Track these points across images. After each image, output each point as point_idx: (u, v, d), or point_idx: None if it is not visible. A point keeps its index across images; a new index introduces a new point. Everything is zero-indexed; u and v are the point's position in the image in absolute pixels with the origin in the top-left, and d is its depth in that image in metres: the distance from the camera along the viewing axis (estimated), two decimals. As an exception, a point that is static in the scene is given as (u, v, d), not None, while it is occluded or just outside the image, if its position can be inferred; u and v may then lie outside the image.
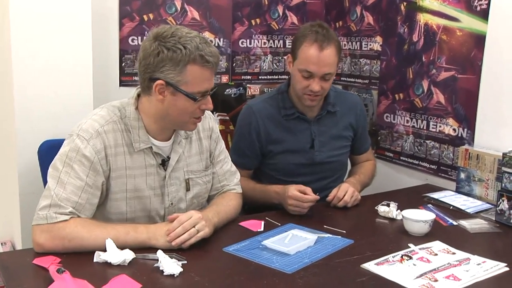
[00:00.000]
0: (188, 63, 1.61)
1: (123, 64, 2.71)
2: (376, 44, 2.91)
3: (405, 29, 2.71)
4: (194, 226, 1.63)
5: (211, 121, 1.93)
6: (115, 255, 1.51)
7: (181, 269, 1.48)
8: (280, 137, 2.23)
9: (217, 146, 1.95)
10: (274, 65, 3.11)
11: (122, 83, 2.72)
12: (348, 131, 2.34)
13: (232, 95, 3.05)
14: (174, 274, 1.45)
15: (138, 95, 1.74)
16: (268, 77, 3.11)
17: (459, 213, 2.06)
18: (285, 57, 3.10)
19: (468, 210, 2.09)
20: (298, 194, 1.93)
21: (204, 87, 1.66)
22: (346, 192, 2.05)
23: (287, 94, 2.25)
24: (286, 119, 2.23)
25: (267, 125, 2.22)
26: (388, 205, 2.01)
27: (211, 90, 1.69)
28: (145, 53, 1.64)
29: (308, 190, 1.94)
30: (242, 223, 1.86)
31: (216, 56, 1.65)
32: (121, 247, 1.56)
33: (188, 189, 1.84)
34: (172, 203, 1.80)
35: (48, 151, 2.00)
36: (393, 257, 1.61)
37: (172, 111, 1.67)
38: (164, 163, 1.77)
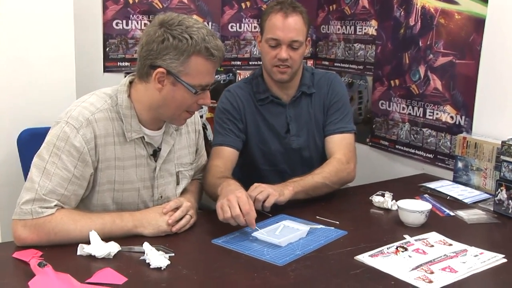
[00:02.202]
0: (193, 54, 1.61)
1: (107, 49, 2.69)
2: (371, 28, 2.91)
3: (402, 13, 2.71)
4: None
5: (196, 113, 1.94)
6: (99, 248, 1.51)
7: (168, 262, 1.48)
8: (255, 123, 2.23)
9: (200, 138, 1.99)
10: (265, 50, 3.10)
11: (106, 69, 2.71)
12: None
13: (222, 82, 3.04)
14: (161, 267, 1.45)
15: (130, 82, 1.73)
16: (259, 62, 3.10)
17: (457, 203, 2.07)
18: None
19: (465, 200, 2.10)
20: (245, 206, 1.68)
21: (205, 80, 1.66)
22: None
23: (262, 78, 2.25)
24: (260, 104, 2.23)
25: (244, 107, 2.22)
26: (383, 195, 2.02)
27: (211, 85, 1.70)
28: (148, 38, 1.63)
29: (256, 201, 1.78)
30: None
31: (221, 50, 1.66)
32: (108, 237, 1.57)
33: (178, 183, 1.86)
34: (161, 196, 1.80)
35: (28, 140, 1.99)
36: (388, 248, 1.62)
37: (169, 101, 1.67)
38: (155, 154, 1.77)
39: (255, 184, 1.86)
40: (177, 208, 1.70)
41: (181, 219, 1.69)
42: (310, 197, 1.98)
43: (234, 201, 1.68)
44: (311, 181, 1.99)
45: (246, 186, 1.90)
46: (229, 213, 1.66)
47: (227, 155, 2.14)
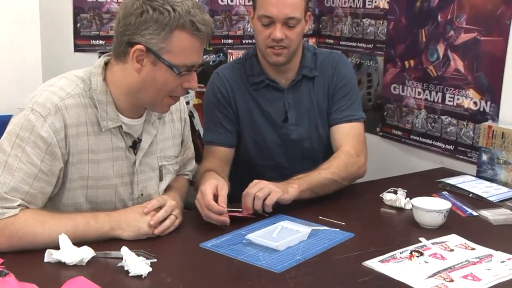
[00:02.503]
0: (176, 29, 1.61)
1: (78, 25, 2.69)
2: (383, 1, 2.92)
3: (418, -17, 2.72)
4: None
5: (182, 99, 1.95)
6: (70, 254, 1.51)
7: (150, 269, 1.49)
8: (248, 111, 2.24)
9: (186, 128, 1.99)
10: (261, 26, 3.11)
11: (77, 48, 2.71)
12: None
13: (211, 63, 3.05)
14: (141, 275, 1.46)
15: (106, 63, 1.74)
16: (253, 40, 3.10)
17: (480, 202, 2.09)
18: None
19: (491, 198, 2.12)
20: (211, 202, 1.77)
21: (191, 60, 1.66)
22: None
23: (256, 59, 2.25)
24: (255, 89, 2.24)
25: (235, 93, 2.24)
26: (395, 193, 2.04)
27: (199, 66, 1.70)
28: (125, 11, 1.63)
29: (221, 195, 1.81)
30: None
31: (209, 25, 1.66)
32: (80, 240, 1.58)
33: (161, 179, 1.87)
34: (142, 194, 1.81)
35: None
36: (400, 253, 1.63)
37: (149, 84, 1.67)
38: (134, 145, 1.78)
39: (255, 181, 1.87)
40: (160, 208, 1.71)
41: (164, 220, 1.71)
42: (316, 195, 2.00)
43: (199, 195, 1.76)
44: (318, 178, 2.00)
45: (239, 183, 1.92)
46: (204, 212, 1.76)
47: (221, 155, 2.18)
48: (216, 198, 1.80)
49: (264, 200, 1.82)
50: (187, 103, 3.03)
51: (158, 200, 1.73)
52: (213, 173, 1.99)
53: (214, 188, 1.82)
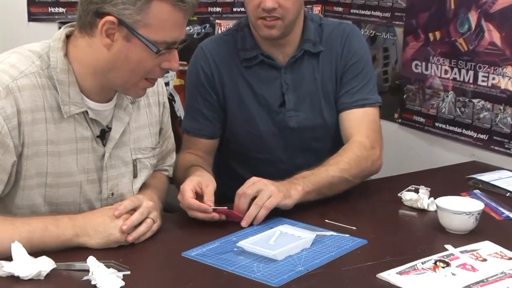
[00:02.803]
0: None
1: (32, -11, 2.69)
2: (403, -41, 2.93)
3: None
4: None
5: (160, 80, 1.94)
6: (25, 266, 1.51)
7: (123, 283, 1.49)
8: (238, 93, 2.24)
9: (166, 114, 2.00)
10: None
11: (32, 17, 2.70)
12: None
13: (195, 35, 3.05)
14: (111, 291, 1.48)
15: (68, 36, 1.74)
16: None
17: (519, 202, 2.10)
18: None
19: (531, 198, 2.13)
20: (190, 201, 1.83)
21: (172, 36, 1.67)
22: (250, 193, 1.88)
23: (249, 30, 2.25)
24: (246, 66, 2.24)
25: (221, 73, 2.24)
26: (416, 191, 2.05)
27: (181, 42, 1.71)
28: None
29: (207, 192, 1.86)
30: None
31: None
32: (38, 249, 1.58)
33: (135, 175, 1.87)
34: (112, 193, 1.82)
35: None
36: (423, 263, 1.64)
37: (121, 63, 1.67)
38: (103, 135, 1.79)
39: (253, 178, 1.88)
40: (134, 210, 1.72)
41: (139, 224, 1.71)
42: (323, 197, 2.00)
43: (180, 196, 1.83)
44: (325, 176, 2.01)
45: (228, 179, 1.92)
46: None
47: (202, 147, 2.20)
48: (201, 197, 1.81)
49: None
50: (167, 84, 3.03)
51: (131, 201, 1.73)
52: (197, 168, 2.01)
53: (196, 185, 1.84)
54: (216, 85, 2.23)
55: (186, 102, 2.30)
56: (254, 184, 1.86)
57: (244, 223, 1.84)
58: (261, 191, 1.84)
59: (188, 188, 1.83)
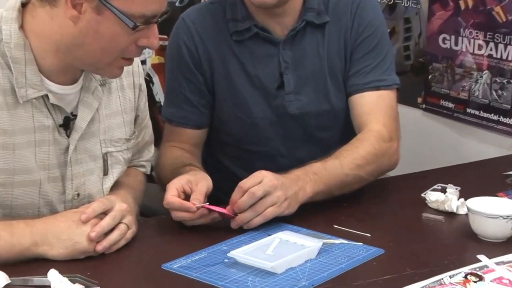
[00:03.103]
0: None
1: None
2: None
3: None
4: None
5: (136, 58, 1.94)
6: (-26, 280, 1.53)
7: (91, 301, 1.51)
8: (227, 73, 2.24)
9: (142, 98, 2.00)
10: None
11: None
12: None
13: (177, 3, 3.06)
14: (78, 310, 1.48)
15: (24, 5, 1.73)
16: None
17: None
18: None
19: None
20: (170, 199, 1.85)
21: (151, 8, 1.67)
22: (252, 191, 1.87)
23: None
24: (237, 41, 2.24)
25: (208, 48, 2.24)
26: (443, 191, 2.05)
27: (162, 15, 1.71)
28: None
29: (196, 190, 1.87)
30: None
31: None
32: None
33: (106, 172, 1.88)
34: (78, 194, 1.83)
35: None
36: (451, 277, 1.64)
37: (91, 40, 1.67)
38: (67, 124, 1.79)
39: (262, 173, 1.86)
40: (104, 214, 1.72)
41: (111, 230, 1.72)
42: (332, 197, 2.01)
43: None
44: (339, 174, 2.01)
45: (217, 174, 1.93)
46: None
47: (187, 138, 2.21)
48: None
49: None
50: (143, 62, 3.04)
51: (101, 203, 1.73)
52: (192, 168, 2.01)
53: (184, 184, 1.85)
54: (201, 63, 2.24)
55: (166, 84, 2.30)
56: (263, 184, 1.83)
57: (234, 224, 1.85)
58: (266, 195, 1.84)
59: (173, 187, 1.84)
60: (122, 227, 1.73)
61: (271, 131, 2.27)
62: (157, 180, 2.15)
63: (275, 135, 2.27)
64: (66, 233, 1.67)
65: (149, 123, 2.08)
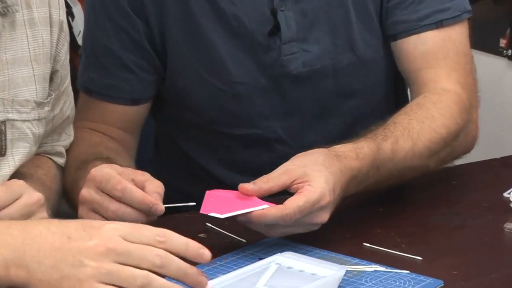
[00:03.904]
0: None
1: None
2: None
3: None
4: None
5: None
6: None
7: None
8: (189, 12, 2.22)
9: (65, 44, 2.04)
10: None
11: None
12: None
13: None
14: None
15: None
16: None
17: None
18: None
19: None
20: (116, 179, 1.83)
21: None
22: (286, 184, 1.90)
23: None
24: None
25: None
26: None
27: None
28: None
29: (149, 190, 1.87)
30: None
31: None
32: None
33: (3, 152, 1.91)
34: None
35: None
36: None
37: None
38: None
39: (302, 158, 1.88)
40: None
41: None
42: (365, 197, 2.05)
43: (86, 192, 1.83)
44: (399, 168, 2.04)
45: (178, 181, 1.97)
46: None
47: (119, 120, 2.25)
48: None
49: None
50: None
51: (2, 191, 1.76)
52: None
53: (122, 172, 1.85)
54: (146, 4, 2.22)
55: (85, 33, 2.34)
56: (312, 202, 1.82)
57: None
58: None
59: (113, 172, 1.81)
60: None
61: (261, 103, 2.28)
62: None
63: (269, 110, 2.28)
64: None
65: (71, 88, 2.12)
